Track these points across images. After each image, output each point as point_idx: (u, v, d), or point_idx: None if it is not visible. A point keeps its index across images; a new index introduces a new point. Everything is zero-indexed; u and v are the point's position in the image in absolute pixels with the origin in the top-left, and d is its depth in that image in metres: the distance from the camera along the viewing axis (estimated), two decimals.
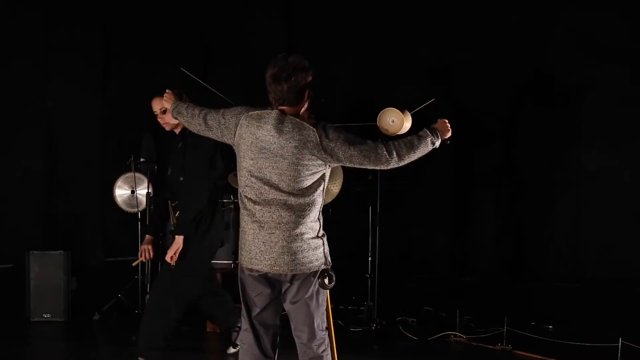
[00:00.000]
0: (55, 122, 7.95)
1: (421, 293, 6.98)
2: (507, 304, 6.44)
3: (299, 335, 3.47)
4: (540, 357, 5.05)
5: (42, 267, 6.00)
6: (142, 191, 6.38)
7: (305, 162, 3.26)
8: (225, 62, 8.42)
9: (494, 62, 7.62)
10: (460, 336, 5.51)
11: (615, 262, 7.21)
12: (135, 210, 6.39)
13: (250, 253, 3.37)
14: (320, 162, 3.29)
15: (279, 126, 3.27)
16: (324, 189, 3.41)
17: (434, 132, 3.45)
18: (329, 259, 3.50)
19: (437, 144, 3.44)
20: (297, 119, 3.30)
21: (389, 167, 3.36)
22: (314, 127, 3.28)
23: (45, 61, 7.85)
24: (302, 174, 3.27)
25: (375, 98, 7.97)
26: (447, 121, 3.54)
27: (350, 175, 6.17)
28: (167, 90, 3.92)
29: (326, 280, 3.42)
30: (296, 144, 3.25)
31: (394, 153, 3.34)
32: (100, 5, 7.94)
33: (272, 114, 3.29)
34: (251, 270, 3.40)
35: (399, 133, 3.80)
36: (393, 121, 3.86)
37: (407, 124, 3.86)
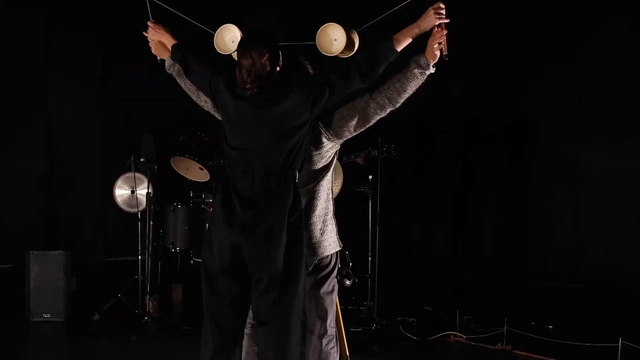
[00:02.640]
0: (55, 122, 7.95)
1: (421, 293, 6.97)
2: (507, 304, 6.44)
3: (311, 330, 3.48)
4: (540, 357, 5.05)
5: (42, 267, 6.00)
6: (142, 191, 6.38)
7: None
8: (226, 62, 8.40)
9: (494, 61, 7.62)
10: (460, 336, 5.51)
11: (615, 262, 7.21)
12: (135, 210, 6.39)
13: None
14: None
15: None
16: None
17: (420, 62, 3.29)
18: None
19: (429, 71, 3.31)
20: None
21: (387, 113, 3.37)
22: None
23: (45, 61, 7.85)
24: None
25: None
26: (439, 37, 3.29)
27: (351, 175, 6.18)
28: (151, 23, 3.76)
29: (346, 280, 3.49)
30: None
31: (386, 100, 3.32)
32: (100, 5, 7.94)
33: None
34: None
35: (345, 55, 3.49)
36: (336, 39, 3.48)
37: (355, 44, 3.48)
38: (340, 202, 5.98)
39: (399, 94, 3.32)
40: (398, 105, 3.34)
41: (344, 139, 3.41)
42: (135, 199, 6.38)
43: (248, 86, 3.30)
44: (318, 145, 3.39)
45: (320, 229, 3.49)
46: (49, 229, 7.82)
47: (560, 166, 7.58)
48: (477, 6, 7.57)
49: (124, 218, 6.81)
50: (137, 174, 6.30)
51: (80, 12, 7.86)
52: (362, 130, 3.39)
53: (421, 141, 8.20)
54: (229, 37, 3.63)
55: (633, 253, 7.16)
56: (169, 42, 3.72)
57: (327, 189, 3.50)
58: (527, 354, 5.11)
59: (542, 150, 7.66)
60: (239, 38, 3.56)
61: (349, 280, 3.47)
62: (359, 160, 6.15)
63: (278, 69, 3.36)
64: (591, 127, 7.43)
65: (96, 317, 6.01)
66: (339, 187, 5.80)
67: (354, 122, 3.36)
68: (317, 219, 3.49)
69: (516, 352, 5.18)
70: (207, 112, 3.70)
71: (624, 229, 7.24)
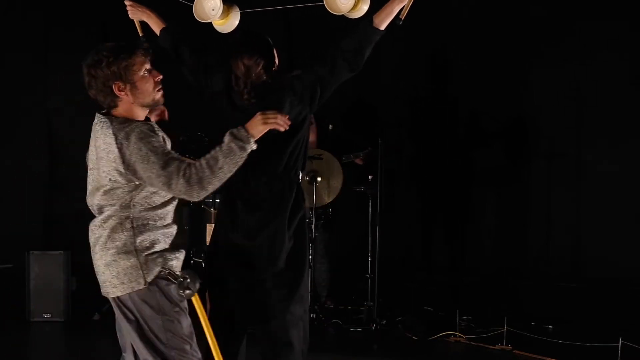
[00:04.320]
0: (55, 122, 7.95)
1: (421, 293, 6.97)
2: (507, 304, 6.43)
3: None
4: (540, 357, 5.04)
5: (42, 267, 5.99)
6: None
7: (104, 176, 2.84)
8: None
9: (494, 60, 7.62)
10: (460, 336, 5.51)
11: (615, 262, 7.20)
12: None
13: None
14: (121, 179, 2.80)
15: (95, 131, 2.87)
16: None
17: (239, 135, 2.78)
18: (150, 273, 2.86)
19: (251, 146, 2.79)
20: (106, 120, 2.82)
21: (193, 198, 2.78)
22: (115, 133, 2.76)
23: (45, 61, 7.85)
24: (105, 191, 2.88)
25: (374, 98, 7.98)
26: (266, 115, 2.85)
27: (350, 175, 6.18)
28: (128, 2, 3.53)
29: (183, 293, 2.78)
30: (98, 154, 2.84)
31: (195, 179, 2.71)
32: (99, 4, 7.94)
33: (96, 117, 2.88)
34: None
35: (353, 16, 3.26)
36: None
37: (365, 5, 3.25)
38: (340, 202, 6.02)
39: (213, 173, 2.77)
40: (211, 189, 2.80)
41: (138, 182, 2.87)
42: None
43: (245, 97, 3.28)
44: (106, 172, 2.90)
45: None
46: (49, 229, 7.82)
47: (560, 166, 7.58)
48: (477, 5, 7.58)
49: None
50: None
51: (80, 12, 7.86)
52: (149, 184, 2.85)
53: (421, 141, 8.20)
54: (209, 6, 3.40)
55: (633, 253, 7.16)
56: (157, 25, 3.54)
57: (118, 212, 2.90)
58: (527, 354, 5.11)
59: (542, 150, 7.65)
60: (219, 6, 3.36)
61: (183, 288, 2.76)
62: (358, 161, 6.15)
63: (274, 68, 3.35)
64: (591, 127, 7.43)
65: (96, 317, 6.00)
66: (339, 187, 5.79)
67: (153, 174, 2.79)
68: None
69: (516, 352, 5.17)
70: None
71: (624, 229, 7.24)
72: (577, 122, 7.49)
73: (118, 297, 2.94)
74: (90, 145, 2.90)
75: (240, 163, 2.76)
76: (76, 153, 8.03)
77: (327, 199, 5.87)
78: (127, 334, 3.00)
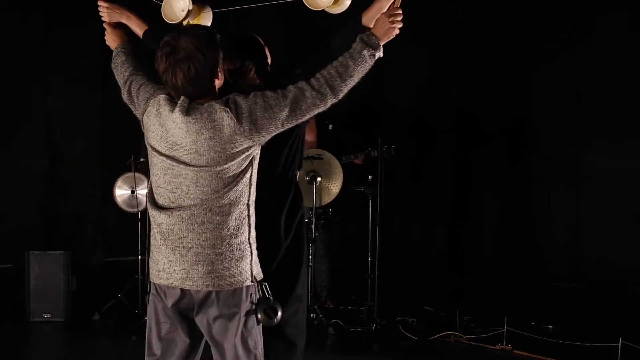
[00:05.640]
0: (55, 122, 7.95)
1: (421, 293, 6.98)
2: (507, 304, 6.44)
3: None
4: (540, 357, 5.05)
5: (42, 267, 6.00)
6: (142, 191, 6.37)
7: (230, 152, 2.56)
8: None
9: (494, 60, 7.62)
10: (460, 336, 5.51)
11: (615, 262, 7.20)
12: (135, 210, 6.39)
13: (158, 264, 2.69)
14: (247, 145, 2.59)
15: (187, 115, 2.57)
16: (252, 176, 2.67)
17: (370, 41, 2.63)
18: (257, 272, 2.71)
19: (379, 54, 2.64)
20: (204, 102, 2.59)
21: (327, 106, 2.63)
22: (225, 107, 2.55)
23: (46, 61, 7.85)
24: (227, 169, 2.59)
25: (375, 98, 7.97)
26: (395, 13, 2.68)
27: (350, 175, 6.18)
28: (102, 2, 3.12)
29: (261, 316, 2.64)
30: (210, 135, 2.54)
31: (325, 87, 2.58)
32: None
33: (180, 100, 2.61)
34: (157, 291, 2.73)
35: (334, 11, 3.04)
36: None
37: (347, 0, 2.98)
38: (340, 202, 6.02)
39: (344, 82, 2.62)
40: (341, 96, 2.64)
41: (268, 137, 2.64)
42: (135, 199, 6.37)
43: None
44: (231, 146, 2.59)
45: (220, 254, 2.61)
46: (49, 229, 7.82)
47: (560, 166, 7.59)
48: (477, 4, 7.58)
49: (124, 218, 6.80)
50: (137, 174, 6.30)
51: (81, 11, 7.85)
52: (289, 127, 2.65)
53: (421, 141, 8.20)
54: (179, 6, 3.14)
55: (633, 253, 7.16)
56: (138, 26, 3.22)
57: (242, 205, 2.64)
58: (527, 354, 5.11)
59: (542, 150, 7.66)
60: (188, 3, 3.10)
61: (271, 316, 2.63)
62: (357, 161, 6.16)
63: (268, 69, 3.32)
64: (591, 127, 7.43)
65: (96, 317, 6.01)
66: (339, 186, 5.80)
67: (283, 113, 2.59)
68: (219, 242, 2.62)
69: (516, 352, 5.17)
70: None
71: (624, 229, 7.24)
72: (577, 122, 7.50)
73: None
74: (171, 144, 2.66)
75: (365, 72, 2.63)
76: (76, 153, 8.13)
77: (327, 199, 5.88)
78: None
